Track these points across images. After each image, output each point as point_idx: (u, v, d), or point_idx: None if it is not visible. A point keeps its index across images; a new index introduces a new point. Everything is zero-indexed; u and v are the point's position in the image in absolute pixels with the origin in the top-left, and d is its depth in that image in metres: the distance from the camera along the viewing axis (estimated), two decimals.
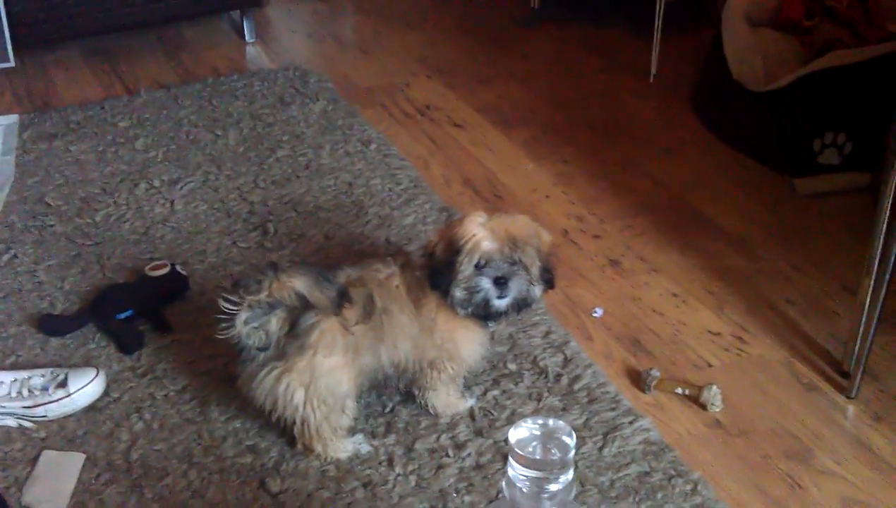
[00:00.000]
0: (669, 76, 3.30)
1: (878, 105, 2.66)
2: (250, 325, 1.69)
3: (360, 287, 1.79)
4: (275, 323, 1.71)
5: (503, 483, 1.14)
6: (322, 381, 1.75)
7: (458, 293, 1.77)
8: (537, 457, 1.10)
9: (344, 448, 1.83)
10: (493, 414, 1.93)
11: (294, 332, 1.72)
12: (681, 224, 2.56)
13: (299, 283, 1.69)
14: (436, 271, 1.79)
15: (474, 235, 1.75)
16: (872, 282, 1.95)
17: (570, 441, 1.12)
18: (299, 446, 1.83)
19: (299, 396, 1.75)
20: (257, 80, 3.28)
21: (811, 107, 2.72)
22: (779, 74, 2.79)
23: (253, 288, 1.69)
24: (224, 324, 1.70)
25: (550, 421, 1.14)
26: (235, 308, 1.68)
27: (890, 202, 1.89)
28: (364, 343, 1.78)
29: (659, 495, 1.75)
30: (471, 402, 1.95)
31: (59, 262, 2.39)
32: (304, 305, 1.70)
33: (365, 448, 1.85)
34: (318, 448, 1.82)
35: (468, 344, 1.87)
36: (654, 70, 3.29)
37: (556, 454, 1.11)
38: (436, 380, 1.87)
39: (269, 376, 1.74)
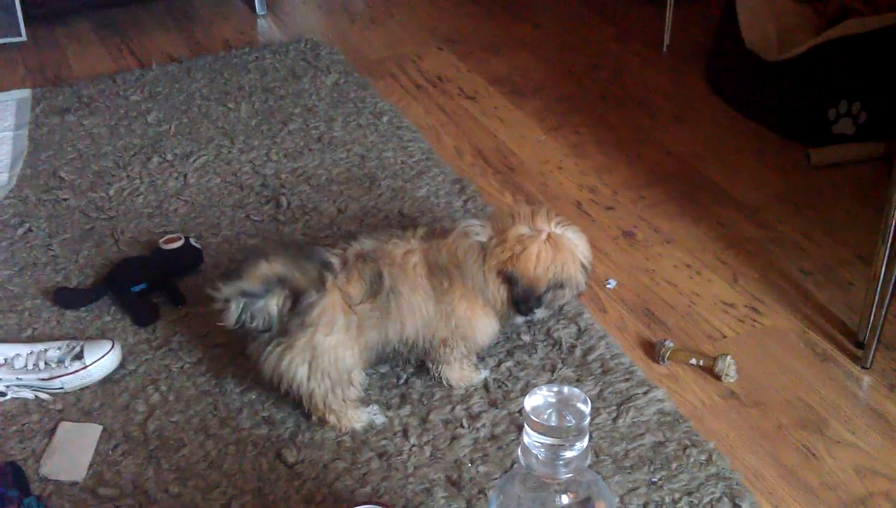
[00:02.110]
0: (682, 46, 3.28)
1: (892, 73, 2.65)
2: (247, 314, 1.70)
3: (370, 262, 1.79)
4: (274, 304, 1.71)
5: (519, 451, 1.15)
6: (324, 357, 1.75)
7: (541, 313, 1.92)
8: (553, 424, 1.11)
9: (358, 418, 1.84)
10: (507, 386, 1.94)
11: (296, 309, 1.72)
12: (694, 194, 2.55)
13: (278, 268, 1.69)
14: (527, 299, 1.83)
15: (576, 274, 1.85)
16: (887, 252, 1.94)
17: (586, 408, 1.13)
18: (314, 418, 1.84)
19: (302, 372, 1.76)
20: (269, 52, 3.28)
21: (825, 76, 2.70)
22: (793, 43, 2.77)
23: (233, 279, 1.70)
24: (220, 319, 1.72)
25: (566, 389, 1.15)
26: (223, 302, 1.70)
27: None
28: (368, 321, 1.78)
29: (673, 465, 1.76)
30: (484, 374, 1.95)
31: (73, 236, 2.40)
32: (289, 287, 1.70)
33: (380, 419, 1.86)
34: (332, 419, 1.82)
35: (484, 329, 1.88)
36: (667, 40, 3.27)
37: (571, 421, 1.12)
38: (448, 355, 1.88)
39: (274, 353, 1.75)
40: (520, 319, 1.94)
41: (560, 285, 1.85)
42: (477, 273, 1.82)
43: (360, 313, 1.76)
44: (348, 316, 1.76)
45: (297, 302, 1.72)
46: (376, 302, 1.77)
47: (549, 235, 1.82)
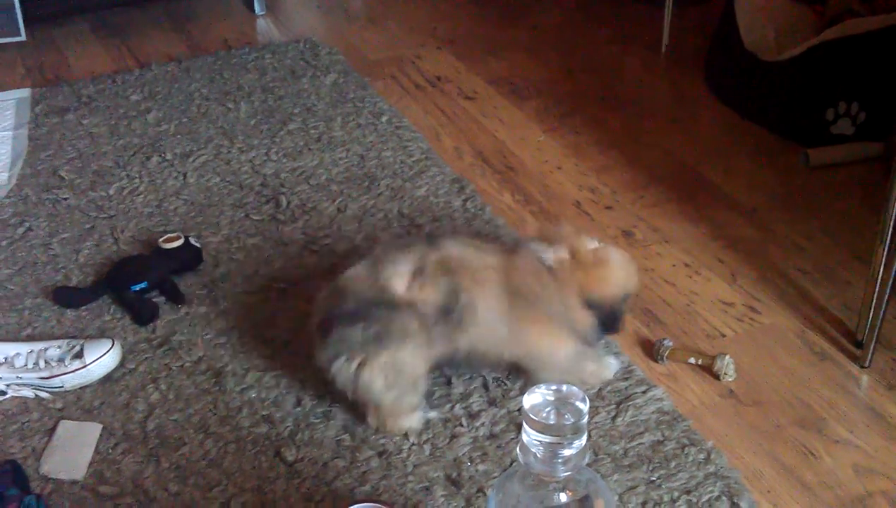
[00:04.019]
0: (681, 47, 3.29)
1: (891, 74, 2.65)
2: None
3: (448, 275, 1.78)
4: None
5: (517, 450, 1.15)
6: (397, 371, 1.76)
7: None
8: (551, 422, 1.12)
9: (413, 419, 1.84)
10: (506, 384, 1.94)
11: (370, 324, 1.74)
12: (692, 194, 2.56)
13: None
14: (615, 317, 1.87)
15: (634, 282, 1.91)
16: (886, 251, 1.94)
17: (584, 406, 1.13)
18: (373, 426, 1.84)
19: (378, 385, 1.76)
20: (268, 52, 3.28)
21: (824, 77, 2.70)
22: (791, 44, 2.77)
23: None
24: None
25: (564, 387, 1.15)
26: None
27: None
28: (439, 336, 1.78)
29: (672, 464, 1.76)
30: (615, 367, 1.97)
31: (73, 235, 2.40)
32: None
33: (430, 415, 1.86)
34: (391, 424, 1.83)
35: (561, 353, 1.88)
36: (665, 41, 3.28)
37: (569, 419, 1.12)
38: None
39: (348, 366, 1.76)
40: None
41: (627, 296, 1.89)
42: (555, 299, 1.82)
43: (435, 330, 1.77)
44: (423, 332, 1.76)
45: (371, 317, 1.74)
46: (450, 319, 1.78)
47: (595, 252, 1.86)
